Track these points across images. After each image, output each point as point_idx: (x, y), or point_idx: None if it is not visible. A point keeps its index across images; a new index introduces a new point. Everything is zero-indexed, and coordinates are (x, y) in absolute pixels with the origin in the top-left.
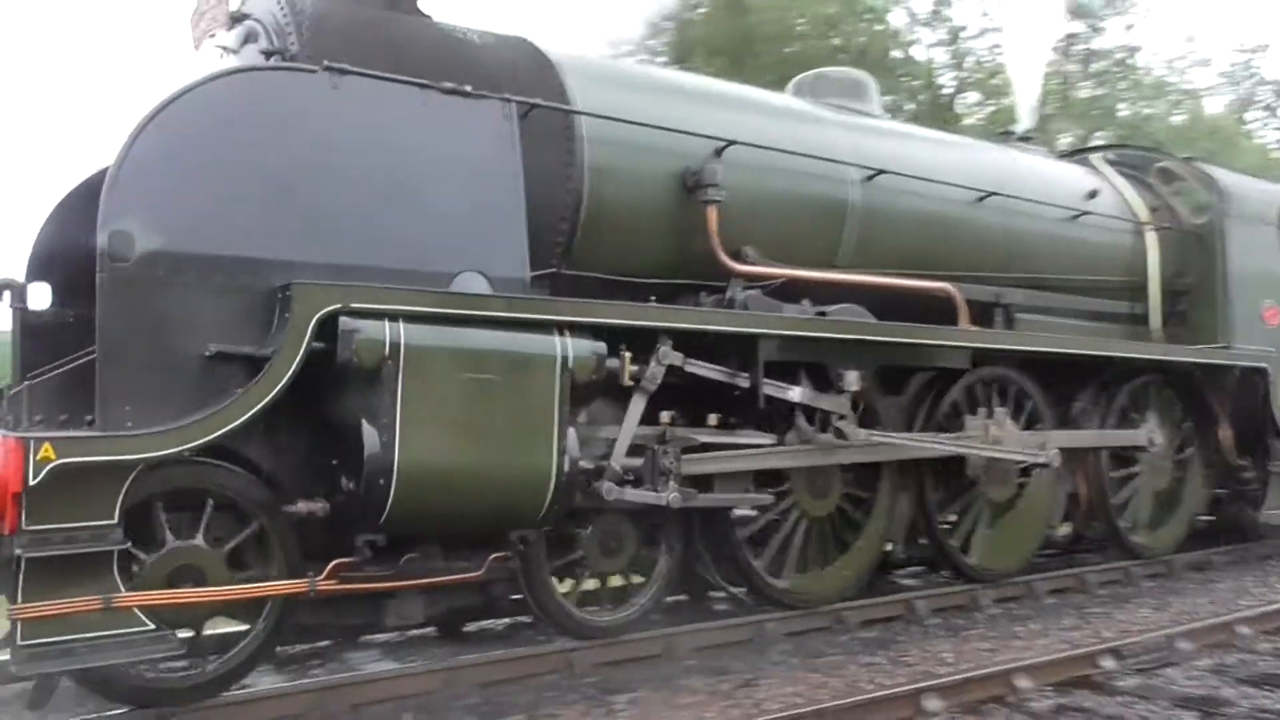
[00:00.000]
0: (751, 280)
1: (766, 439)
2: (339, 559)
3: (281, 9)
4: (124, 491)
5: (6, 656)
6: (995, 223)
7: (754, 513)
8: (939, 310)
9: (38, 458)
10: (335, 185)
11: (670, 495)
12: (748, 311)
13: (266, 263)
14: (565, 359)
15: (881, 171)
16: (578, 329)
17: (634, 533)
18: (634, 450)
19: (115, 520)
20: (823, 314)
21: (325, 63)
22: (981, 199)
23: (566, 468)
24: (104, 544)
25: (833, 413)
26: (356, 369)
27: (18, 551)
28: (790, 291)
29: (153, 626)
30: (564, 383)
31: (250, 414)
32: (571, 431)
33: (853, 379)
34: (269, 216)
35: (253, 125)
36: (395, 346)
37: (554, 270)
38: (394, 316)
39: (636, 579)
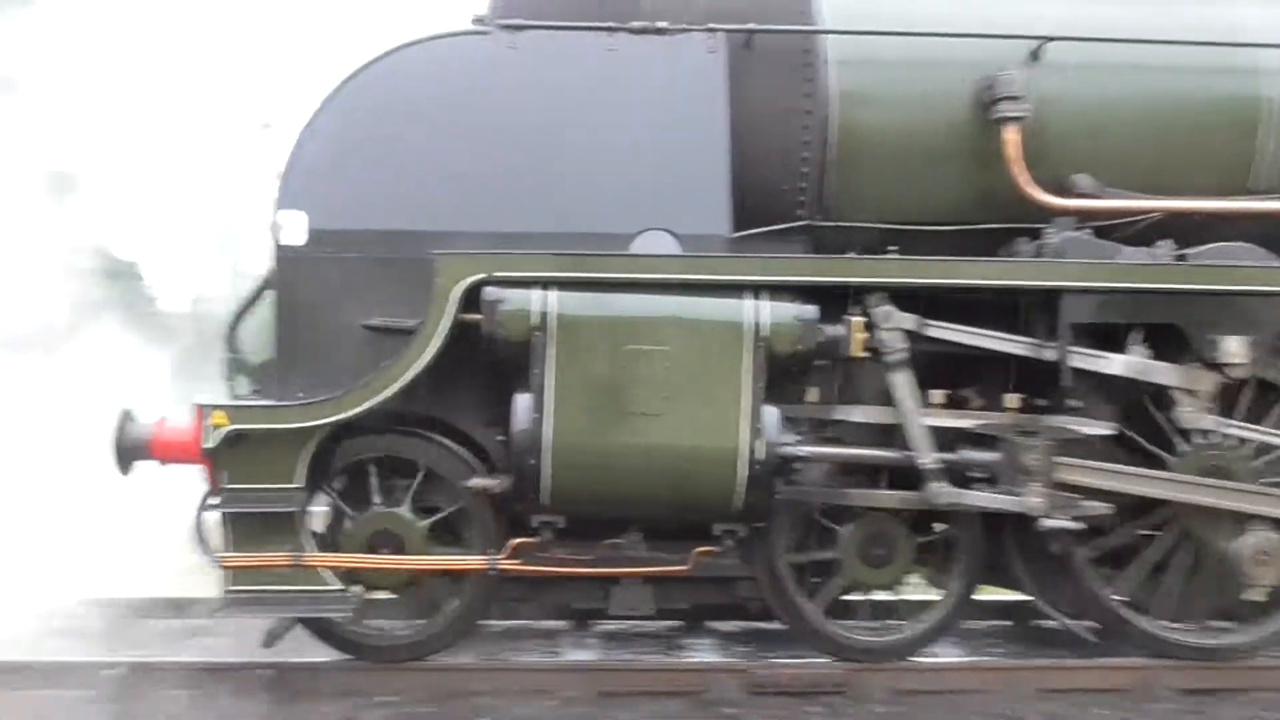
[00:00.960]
0: (1088, 217)
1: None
2: (519, 539)
3: None
4: (306, 457)
5: None
6: None
7: (1076, 523)
8: None
9: (211, 423)
10: (507, 150)
11: (1038, 503)
12: (1023, 259)
13: (429, 235)
14: (758, 326)
15: None
16: (779, 290)
17: (907, 538)
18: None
19: (299, 484)
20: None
21: (498, 21)
22: None
23: (761, 453)
24: (289, 505)
25: (1182, 394)
26: (504, 341)
27: (220, 507)
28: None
29: (338, 586)
30: (757, 354)
31: (394, 388)
32: (771, 411)
33: (1235, 348)
34: (435, 188)
35: (425, 98)
36: (544, 316)
37: (805, 223)
38: (546, 284)
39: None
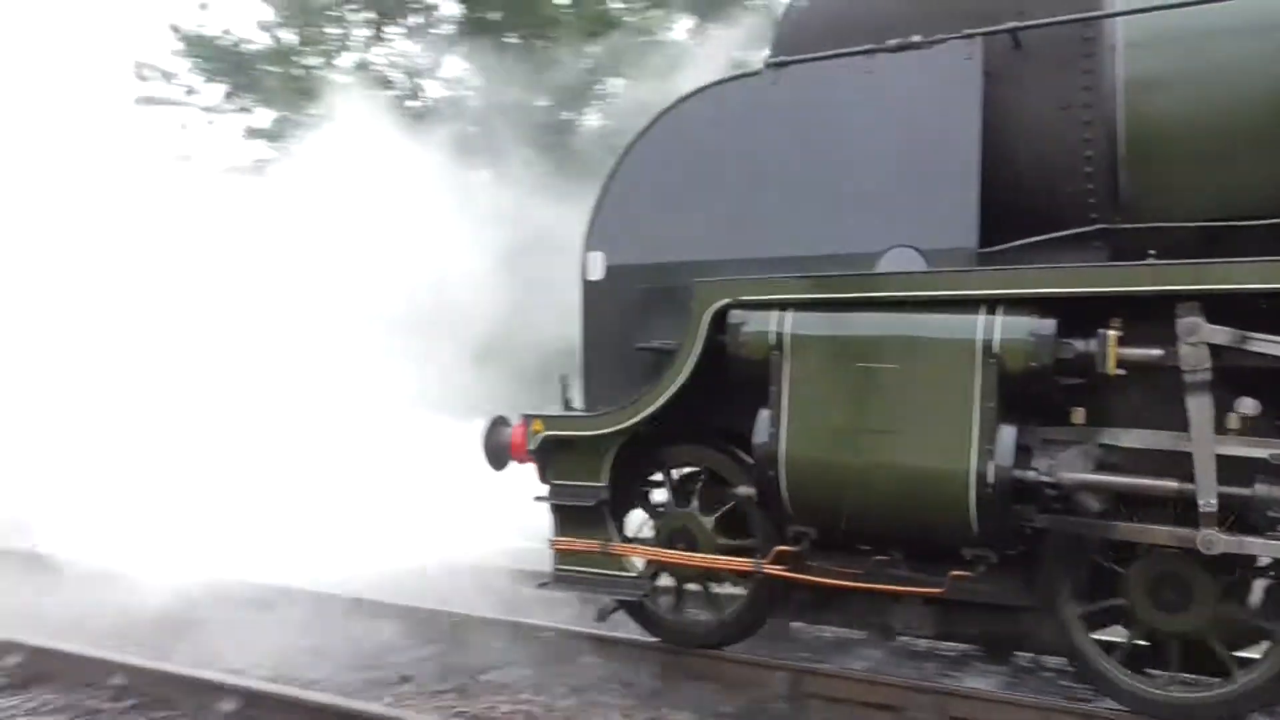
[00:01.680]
0: None
1: None
2: (782, 546)
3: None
4: (608, 460)
5: None
6: None
7: None
8: None
9: (533, 429)
10: (765, 181)
11: None
12: None
13: (695, 265)
14: (988, 343)
15: None
16: (1013, 304)
17: (1212, 583)
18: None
19: (603, 483)
20: None
21: (766, 59)
22: None
23: (992, 476)
24: (595, 499)
25: None
26: (746, 360)
27: (546, 499)
28: None
29: (635, 574)
30: (987, 371)
31: (656, 404)
32: (1007, 431)
33: None
34: (702, 221)
35: (701, 141)
36: (780, 337)
37: (1099, 227)
38: (783, 306)
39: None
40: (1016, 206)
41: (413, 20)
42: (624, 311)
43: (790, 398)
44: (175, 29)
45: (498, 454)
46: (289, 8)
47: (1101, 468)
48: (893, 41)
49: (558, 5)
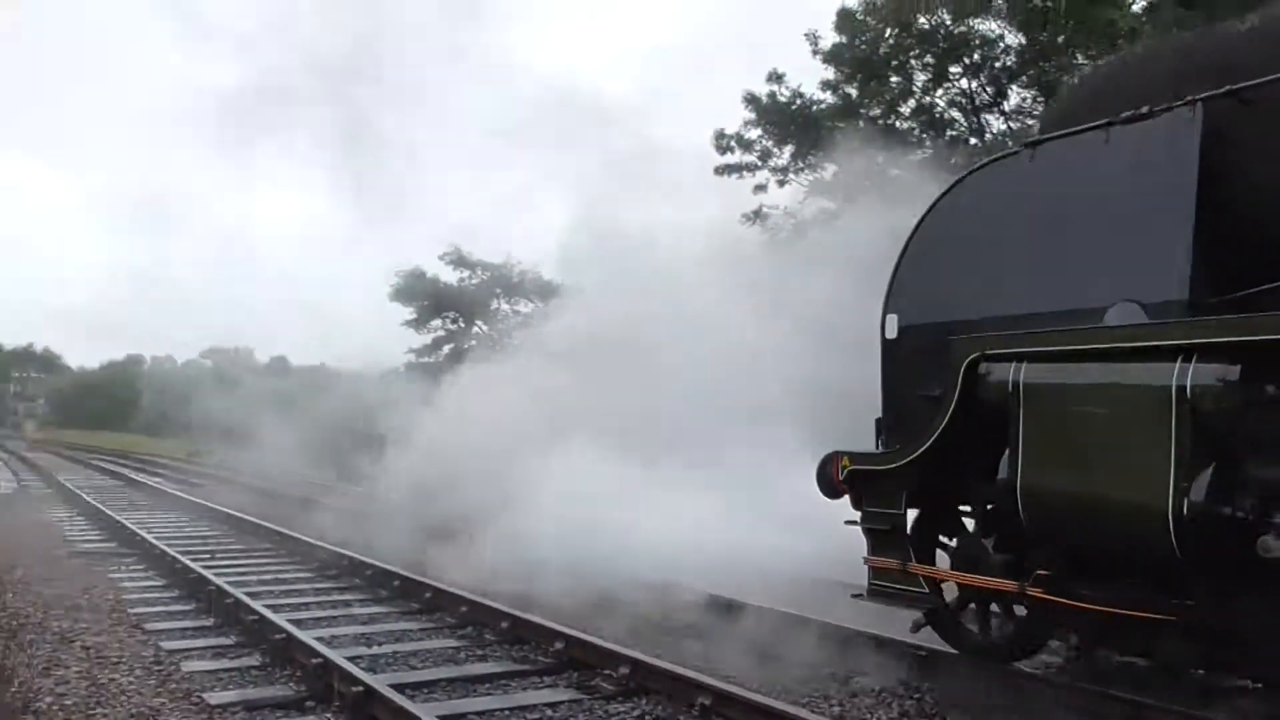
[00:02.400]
0: None
1: None
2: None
3: None
4: (904, 491)
5: None
6: None
7: None
8: None
9: (842, 465)
10: (1018, 247)
11: None
12: None
13: (963, 323)
14: (1183, 389)
15: None
16: (1205, 353)
17: None
18: None
19: (899, 510)
20: None
21: (1023, 140)
22: None
23: (1186, 511)
24: (890, 525)
25: None
26: (990, 405)
27: (858, 523)
28: None
29: (926, 590)
30: (1181, 414)
31: (926, 445)
32: (1204, 471)
33: None
34: (968, 285)
35: (973, 215)
36: (1016, 385)
37: None
38: (1020, 358)
39: None
40: (1249, 258)
41: (973, 57)
42: (912, 365)
43: (1024, 438)
44: (749, 98)
45: (828, 484)
46: (850, 65)
47: None
48: (1126, 113)
49: (1133, 16)
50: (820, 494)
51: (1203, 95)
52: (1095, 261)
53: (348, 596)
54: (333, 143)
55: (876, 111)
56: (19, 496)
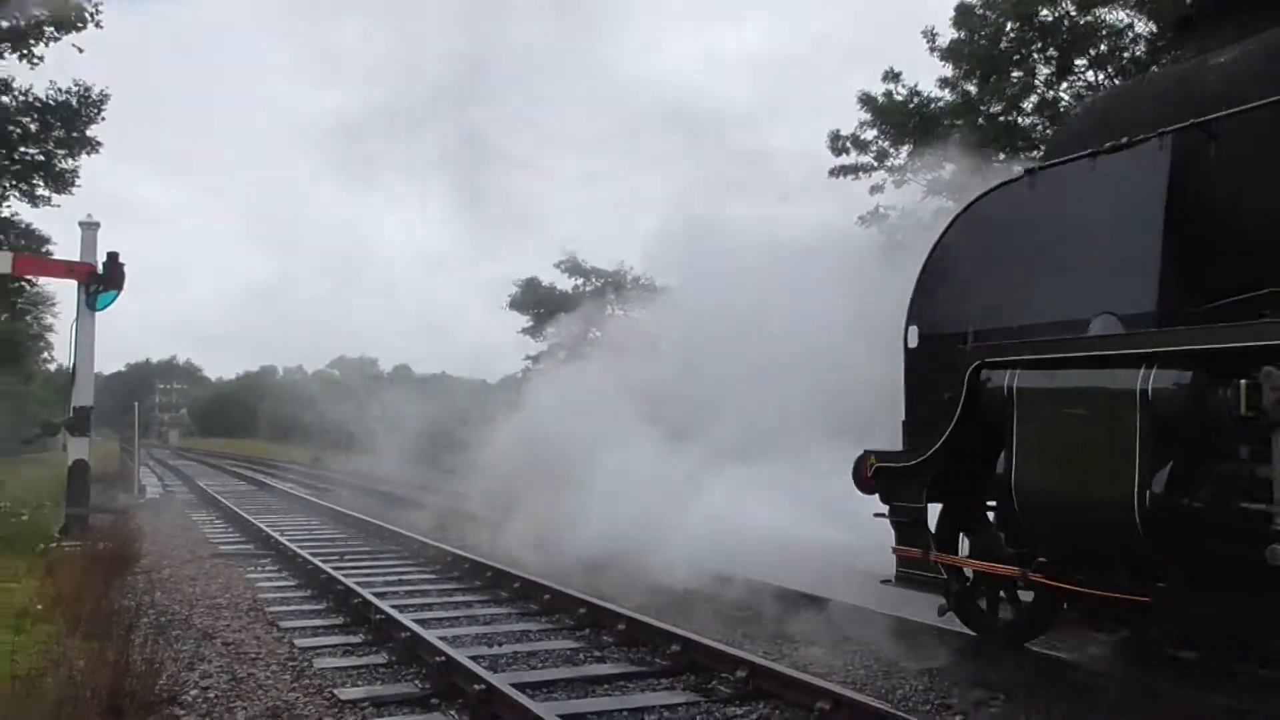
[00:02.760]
0: None
1: None
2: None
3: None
4: (923, 486)
5: None
6: None
7: None
8: None
9: (870, 462)
10: (1019, 264)
11: None
12: None
13: (973, 334)
14: (1145, 392)
15: None
16: (1165, 360)
17: None
18: None
19: (920, 504)
20: None
21: (1026, 167)
22: None
23: (1146, 501)
24: (911, 518)
25: None
26: (990, 408)
27: (885, 516)
28: None
29: (944, 576)
30: (1145, 417)
31: (936, 446)
32: (1163, 466)
33: None
34: (976, 300)
35: (981, 236)
36: (1011, 390)
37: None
38: (1015, 365)
39: None
40: (1213, 274)
41: (1099, 49)
42: (930, 372)
43: (1018, 437)
44: (865, 98)
45: (860, 481)
46: (969, 61)
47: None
48: (1109, 144)
49: None
50: (858, 489)
51: (1172, 128)
52: (1083, 277)
53: (469, 598)
54: (452, 161)
55: (997, 108)
56: (165, 501)
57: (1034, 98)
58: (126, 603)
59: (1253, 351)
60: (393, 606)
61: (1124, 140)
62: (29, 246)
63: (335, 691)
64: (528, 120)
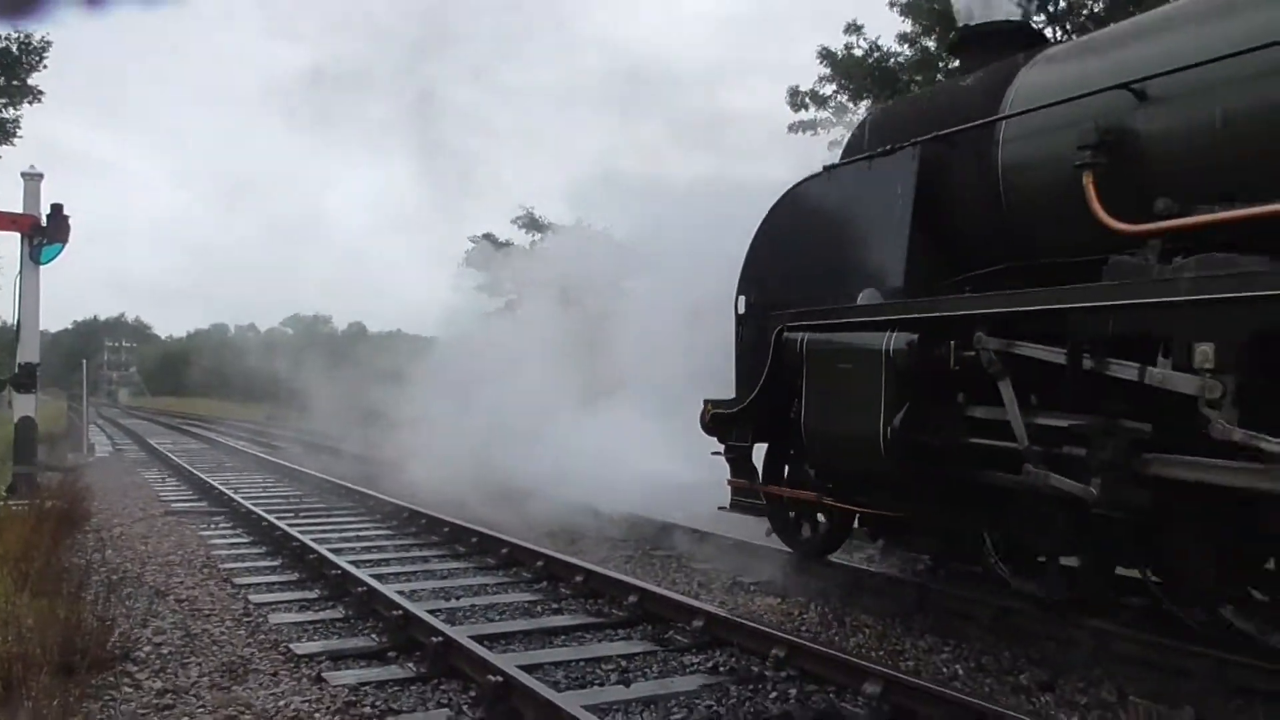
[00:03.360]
0: (1152, 236)
1: None
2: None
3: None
4: (748, 429)
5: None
6: None
7: None
8: None
9: (708, 408)
10: (812, 249)
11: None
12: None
13: (782, 304)
14: (887, 351)
15: None
16: (901, 325)
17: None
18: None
19: (745, 443)
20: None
21: (824, 164)
22: None
23: (889, 436)
24: (738, 454)
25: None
26: (789, 364)
27: (722, 454)
28: None
29: (764, 504)
30: (888, 369)
31: (752, 395)
32: (902, 407)
33: (1205, 353)
34: (783, 276)
35: (792, 220)
36: (802, 348)
37: (1002, 267)
38: (806, 329)
39: None
40: (949, 259)
41: (1059, 5)
42: (753, 335)
43: (806, 388)
44: (824, 53)
45: (702, 425)
46: (929, 16)
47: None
48: (878, 150)
49: None
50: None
51: (921, 139)
52: (859, 259)
53: (426, 553)
54: (411, 117)
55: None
56: (115, 460)
57: None
58: (77, 560)
59: (962, 318)
60: (349, 562)
61: (889, 147)
62: None
63: (291, 646)
64: (490, 80)
